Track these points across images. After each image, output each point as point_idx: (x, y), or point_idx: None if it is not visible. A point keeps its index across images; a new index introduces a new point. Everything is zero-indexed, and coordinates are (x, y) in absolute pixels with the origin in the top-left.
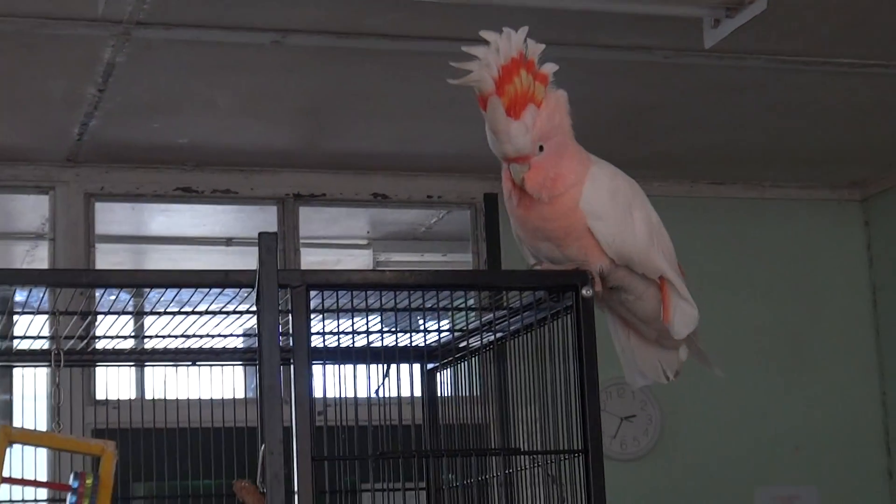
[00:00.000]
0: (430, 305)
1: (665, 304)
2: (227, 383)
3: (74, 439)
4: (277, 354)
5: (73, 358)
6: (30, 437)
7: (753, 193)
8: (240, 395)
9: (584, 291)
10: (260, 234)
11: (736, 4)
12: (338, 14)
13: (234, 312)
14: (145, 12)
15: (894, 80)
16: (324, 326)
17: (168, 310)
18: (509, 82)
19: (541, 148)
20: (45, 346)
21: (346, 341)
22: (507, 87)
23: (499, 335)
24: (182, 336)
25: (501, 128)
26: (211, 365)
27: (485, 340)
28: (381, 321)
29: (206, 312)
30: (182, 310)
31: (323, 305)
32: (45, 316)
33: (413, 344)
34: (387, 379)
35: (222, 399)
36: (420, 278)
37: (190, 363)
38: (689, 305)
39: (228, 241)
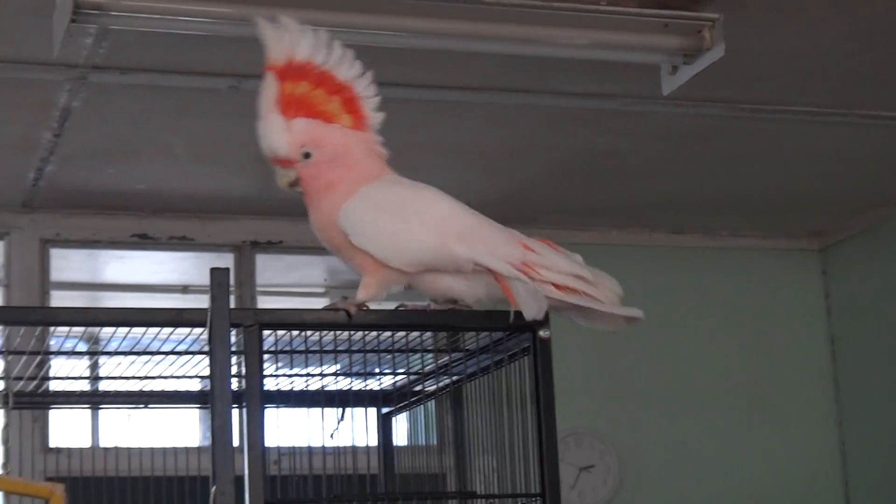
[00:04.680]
0: (384, 347)
1: (504, 290)
2: (183, 430)
3: (22, 482)
4: (229, 393)
5: (25, 400)
6: None
7: (712, 242)
8: (196, 443)
9: (541, 333)
10: (212, 269)
11: (693, 51)
12: None
13: (187, 353)
14: (101, 56)
15: (852, 129)
16: (276, 368)
17: (121, 352)
18: (297, 80)
19: (307, 155)
20: None
21: (299, 385)
22: (299, 83)
23: (455, 378)
24: (136, 378)
25: (263, 110)
26: (165, 407)
27: (441, 384)
28: (336, 361)
29: (159, 353)
30: (134, 350)
31: (276, 346)
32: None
33: (368, 388)
34: (341, 423)
35: (175, 448)
36: (375, 317)
37: (143, 405)
38: (521, 282)
39: (185, 289)
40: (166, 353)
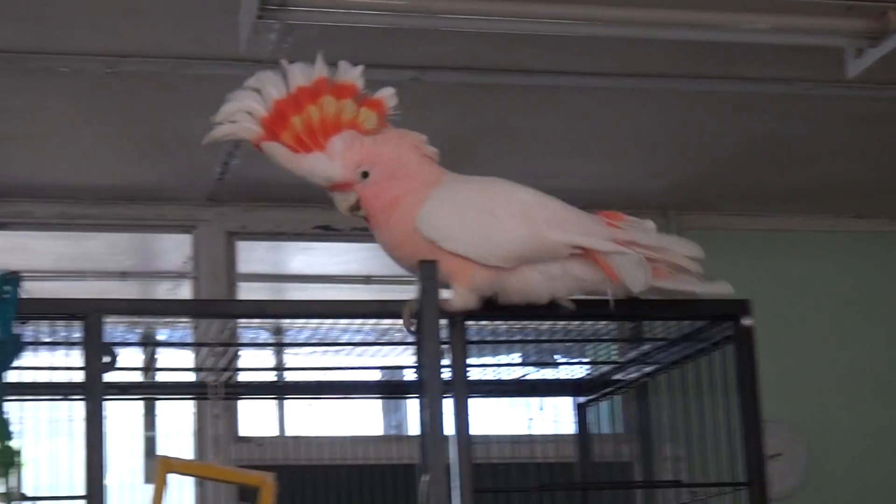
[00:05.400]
0: (582, 336)
1: (604, 268)
2: (364, 420)
3: (233, 471)
4: (440, 383)
5: (229, 391)
6: (189, 468)
7: None
8: (376, 432)
9: (744, 321)
10: (421, 262)
11: (879, 34)
12: (476, 50)
13: (390, 343)
14: (285, 51)
15: None
16: (479, 359)
17: (304, 342)
18: (295, 113)
19: (365, 174)
20: (192, 380)
21: (492, 374)
22: (293, 119)
23: (652, 368)
24: (323, 368)
25: (291, 166)
26: (356, 398)
27: (636, 373)
28: (537, 350)
29: (370, 344)
30: (324, 342)
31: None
32: (188, 353)
33: (564, 377)
34: (540, 412)
35: (360, 438)
36: (580, 307)
37: (340, 396)
38: (624, 255)
39: (367, 279)
40: (379, 345)
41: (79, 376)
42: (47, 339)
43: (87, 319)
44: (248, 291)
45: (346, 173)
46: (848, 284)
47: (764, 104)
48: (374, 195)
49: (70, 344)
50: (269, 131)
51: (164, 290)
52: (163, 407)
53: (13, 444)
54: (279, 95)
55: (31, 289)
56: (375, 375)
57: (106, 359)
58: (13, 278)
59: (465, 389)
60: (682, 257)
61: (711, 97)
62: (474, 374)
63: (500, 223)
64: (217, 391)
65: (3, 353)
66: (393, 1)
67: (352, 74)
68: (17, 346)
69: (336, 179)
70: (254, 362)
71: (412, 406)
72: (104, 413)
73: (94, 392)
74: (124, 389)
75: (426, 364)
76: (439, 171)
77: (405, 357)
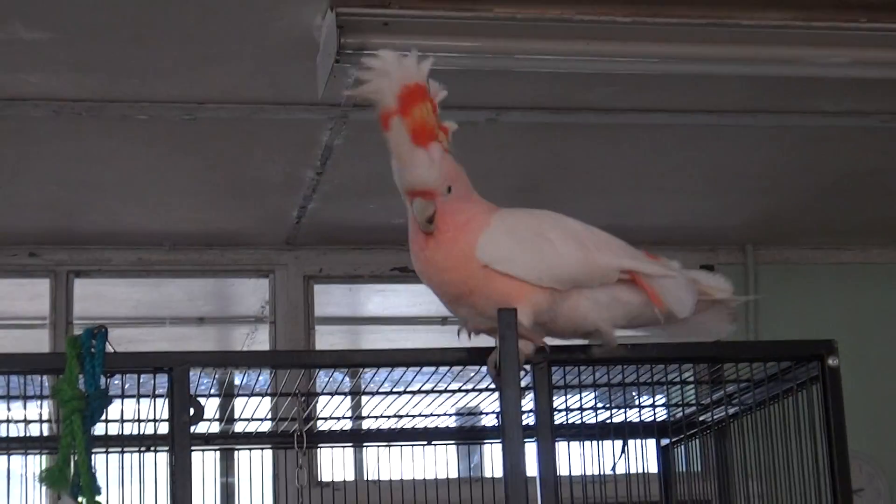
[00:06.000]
0: (667, 379)
1: (649, 293)
2: (440, 463)
3: None
4: (520, 431)
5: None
6: None
7: None
8: (454, 475)
9: (830, 361)
10: (500, 311)
11: None
12: (551, 89)
13: (483, 390)
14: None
15: None
16: (566, 402)
17: (391, 391)
18: (414, 104)
19: (449, 189)
20: (272, 428)
21: (574, 418)
22: (413, 109)
23: (737, 409)
24: (402, 416)
25: (405, 151)
26: (441, 444)
27: (720, 415)
28: (622, 393)
29: (459, 391)
30: (408, 391)
31: (565, 381)
32: (264, 399)
33: (648, 420)
34: (623, 455)
35: (435, 480)
36: (664, 350)
37: (425, 443)
38: (671, 278)
39: (444, 321)
40: (463, 391)
41: (158, 426)
42: (131, 392)
43: (173, 372)
44: (324, 334)
45: (440, 182)
46: None
47: (840, 138)
48: (452, 211)
49: (155, 396)
50: (399, 108)
51: (241, 335)
52: (242, 453)
53: (100, 498)
54: (405, 81)
55: (110, 336)
56: (452, 417)
57: (192, 411)
58: (100, 332)
59: (550, 434)
60: (714, 288)
61: (787, 132)
62: (556, 418)
63: (553, 246)
64: (301, 442)
65: (92, 408)
66: (469, 43)
67: (439, 94)
68: (105, 400)
69: (430, 185)
70: (331, 406)
71: (490, 448)
72: (191, 466)
73: (181, 445)
74: (208, 441)
75: (507, 411)
76: (483, 200)
77: (483, 400)
